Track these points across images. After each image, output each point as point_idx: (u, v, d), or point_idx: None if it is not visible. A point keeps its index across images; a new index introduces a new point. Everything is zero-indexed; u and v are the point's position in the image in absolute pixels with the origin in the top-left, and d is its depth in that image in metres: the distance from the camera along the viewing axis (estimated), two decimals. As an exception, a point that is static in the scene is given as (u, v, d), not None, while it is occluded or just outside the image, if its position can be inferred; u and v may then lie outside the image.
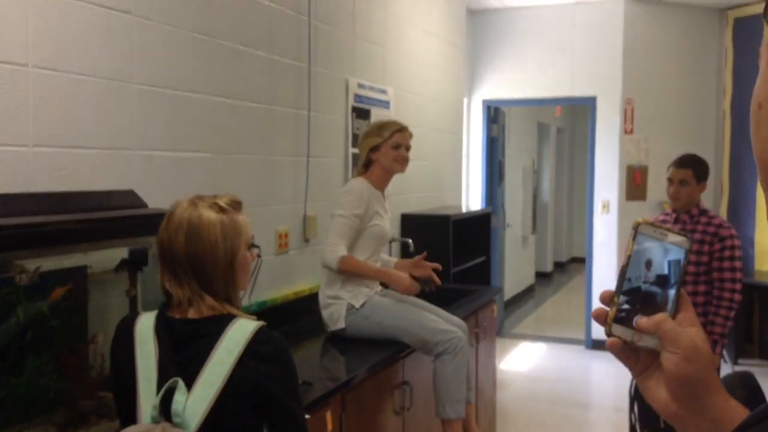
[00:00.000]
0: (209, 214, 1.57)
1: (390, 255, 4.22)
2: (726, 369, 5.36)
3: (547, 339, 7.25)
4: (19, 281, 1.74)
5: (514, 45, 6.97)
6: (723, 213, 6.64)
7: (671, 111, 6.82)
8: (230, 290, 1.59)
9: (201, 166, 2.77)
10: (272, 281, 3.22)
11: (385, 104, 4.35)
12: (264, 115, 3.18)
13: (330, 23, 3.71)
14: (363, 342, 2.92)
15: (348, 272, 2.91)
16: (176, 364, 1.51)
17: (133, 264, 2.09)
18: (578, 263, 11.25)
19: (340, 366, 2.80)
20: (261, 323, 1.56)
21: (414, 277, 3.33)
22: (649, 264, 0.74)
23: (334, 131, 3.80)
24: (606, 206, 6.81)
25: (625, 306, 0.73)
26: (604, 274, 6.76)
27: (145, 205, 2.32)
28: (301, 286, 3.43)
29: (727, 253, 3.37)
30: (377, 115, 4.17)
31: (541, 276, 10.65)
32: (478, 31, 7.05)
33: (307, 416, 1.75)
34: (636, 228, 0.74)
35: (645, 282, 0.74)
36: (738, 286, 3.36)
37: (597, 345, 6.69)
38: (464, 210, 5.32)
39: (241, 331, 1.52)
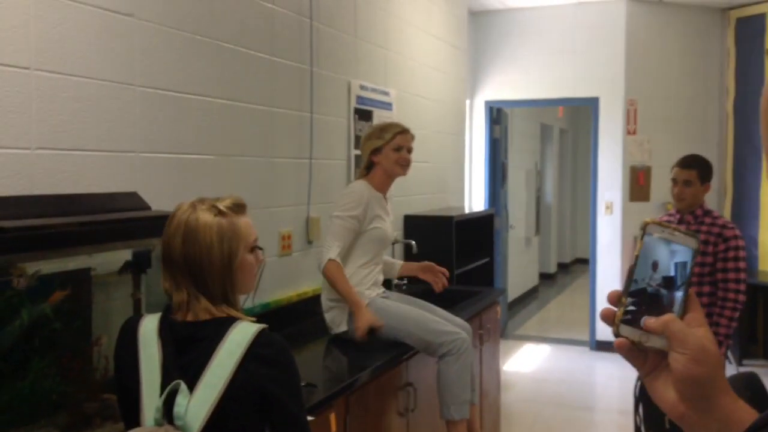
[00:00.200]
0: (206, 217, 1.56)
1: (393, 257, 4.22)
2: (730, 370, 5.35)
3: (551, 340, 7.23)
4: (17, 284, 1.74)
5: (516, 46, 6.97)
6: (727, 214, 6.63)
7: (674, 111, 6.81)
8: (229, 293, 1.58)
9: (203, 169, 2.77)
10: (275, 283, 3.22)
11: (388, 106, 4.35)
12: (266, 117, 3.17)
13: (332, 25, 3.71)
14: (366, 344, 2.92)
15: (328, 278, 2.90)
16: (179, 366, 1.51)
17: (137, 266, 2.09)
18: (582, 264, 11.24)
19: (344, 368, 2.79)
20: (262, 326, 1.56)
21: (419, 280, 3.35)
22: (655, 265, 0.73)
23: (336, 133, 3.79)
24: (609, 207, 6.80)
25: (632, 307, 0.73)
26: (608, 276, 6.75)
27: (148, 208, 2.32)
28: (304, 287, 3.42)
29: (731, 254, 3.36)
30: (379, 116, 4.17)
31: (545, 277, 10.63)
32: (480, 33, 7.04)
33: (310, 418, 1.75)
34: (644, 228, 0.74)
35: (652, 283, 0.73)
36: (742, 287, 3.35)
37: (601, 346, 6.68)
38: (467, 211, 5.31)
39: (242, 334, 1.52)
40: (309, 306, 3.33)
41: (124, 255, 2.08)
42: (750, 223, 6.48)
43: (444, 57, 5.35)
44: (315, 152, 3.54)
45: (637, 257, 0.73)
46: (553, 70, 6.85)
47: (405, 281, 4.11)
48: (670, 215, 3.62)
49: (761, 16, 6.41)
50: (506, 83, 7.04)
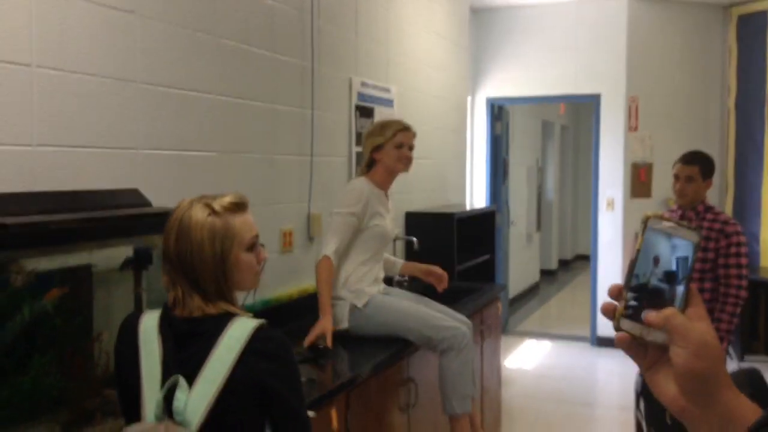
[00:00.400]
0: (199, 216, 1.57)
1: (394, 254, 4.22)
2: (732, 366, 5.35)
3: (552, 336, 7.24)
4: (15, 281, 1.74)
5: (518, 43, 6.96)
6: (728, 210, 6.62)
7: (676, 108, 6.80)
8: (224, 291, 1.58)
9: (205, 165, 2.77)
10: (277, 280, 3.22)
11: (389, 103, 4.35)
12: (267, 114, 3.17)
13: (333, 22, 3.70)
14: (367, 340, 2.92)
15: (316, 273, 2.88)
16: (179, 362, 1.51)
17: (138, 263, 2.09)
18: (583, 261, 11.24)
19: (345, 364, 2.79)
20: (261, 321, 1.56)
21: (419, 280, 3.36)
22: (657, 260, 0.73)
23: (337, 130, 3.79)
24: (611, 204, 6.79)
25: (633, 301, 0.73)
26: (609, 272, 6.75)
27: (149, 204, 2.32)
28: (305, 284, 3.42)
29: (733, 250, 3.36)
30: (381, 113, 4.17)
31: (546, 274, 10.64)
32: (481, 29, 7.03)
33: (312, 414, 1.75)
34: (645, 222, 0.74)
35: (653, 277, 0.73)
36: (744, 283, 3.35)
37: (602, 342, 6.68)
38: (468, 208, 5.31)
39: (241, 329, 1.52)
40: (310, 302, 3.33)
41: (125, 251, 2.08)
42: (751, 219, 6.47)
43: (445, 54, 5.34)
44: (316, 149, 3.53)
45: (638, 251, 0.73)
46: (554, 66, 6.84)
47: (405, 278, 4.11)
48: (671, 211, 3.61)
49: (763, 13, 6.39)
50: (508, 80, 7.03)
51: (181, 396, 1.47)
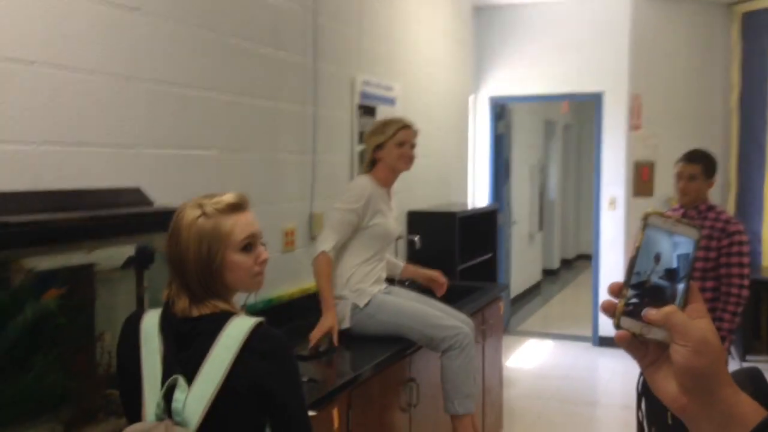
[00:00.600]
0: (189, 218, 1.57)
1: (396, 253, 4.22)
2: (733, 365, 5.34)
3: (554, 336, 7.23)
4: (14, 280, 1.74)
5: (520, 41, 6.95)
6: (730, 209, 6.61)
7: (678, 106, 6.79)
8: (214, 292, 1.57)
9: (207, 164, 2.78)
10: (278, 279, 3.22)
11: (391, 101, 4.34)
12: (270, 112, 3.17)
13: (335, 20, 3.70)
14: (369, 339, 2.92)
15: (315, 269, 2.88)
16: (179, 361, 1.51)
17: (140, 262, 2.10)
18: (585, 260, 11.22)
19: (347, 363, 2.79)
20: (259, 320, 1.55)
21: (418, 285, 3.36)
22: (657, 257, 0.73)
23: (339, 128, 3.79)
24: (613, 203, 6.78)
25: (634, 299, 0.73)
26: (611, 271, 6.74)
27: (151, 203, 2.32)
28: (307, 283, 3.42)
29: (734, 249, 3.35)
30: (383, 112, 4.17)
31: (548, 273, 10.62)
32: (484, 28, 7.03)
33: (313, 413, 1.75)
34: (645, 219, 0.74)
35: (653, 275, 0.73)
36: (746, 282, 3.34)
37: (604, 342, 6.67)
38: (471, 207, 5.31)
39: (239, 328, 1.52)
40: (312, 302, 3.33)
41: (128, 250, 2.08)
42: (753, 218, 6.46)
43: (448, 52, 5.34)
44: (318, 147, 3.53)
45: (638, 249, 0.73)
46: (557, 65, 6.83)
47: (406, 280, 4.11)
48: (673, 210, 3.61)
49: (767, 10, 6.38)
50: (510, 78, 7.02)
51: (179, 396, 1.47)
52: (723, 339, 3.33)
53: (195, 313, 1.56)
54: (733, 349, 6.03)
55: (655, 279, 0.73)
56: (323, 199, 3.55)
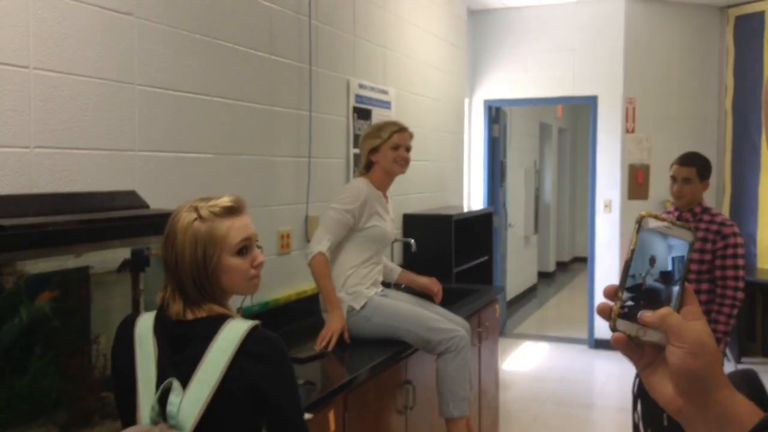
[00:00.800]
0: (184, 221, 1.57)
1: (392, 256, 4.22)
2: (729, 367, 5.35)
3: (550, 339, 7.24)
4: (7, 282, 1.74)
5: (515, 45, 6.97)
6: (725, 211, 6.63)
7: (673, 109, 6.81)
8: (208, 295, 1.57)
9: (202, 167, 2.77)
10: (274, 282, 3.22)
11: (386, 105, 4.35)
12: (265, 115, 3.17)
13: (330, 23, 3.71)
14: (365, 342, 2.92)
15: (313, 271, 2.88)
16: (173, 364, 1.51)
17: (135, 265, 2.09)
18: (580, 263, 11.24)
19: (343, 366, 2.79)
20: (255, 323, 1.55)
21: (415, 292, 3.36)
22: (652, 260, 0.73)
23: (335, 132, 3.79)
24: (608, 205, 6.80)
25: (630, 302, 0.73)
26: (606, 274, 6.75)
27: (146, 206, 2.32)
28: (303, 286, 3.42)
29: (730, 251, 3.36)
30: (378, 115, 4.17)
31: (544, 276, 10.64)
32: (479, 31, 7.04)
33: (309, 416, 1.75)
34: (640, 221, 0.74)
35: (649, 278, 0.73)
36: (741, 284, 3.35)
37: (600, 344, 6.68)
38: (466, 210, 5.31)
39: (234, 331, 1.52)
40: (308, 304, 3.33)
41: (123, 253, 2.08)
42: (748, 220, 6.48)
43: (443, 55, 5.35)
44: (314, 151, 3.53)
45: (633, 251, 0.73)
46: (551, 68, 6.85)
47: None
48: (668, 213, 3.62)
49: (760, 14, 6.41)
50: (505, 82, 7.04)
51: (174, 399, 1.47)
52: (718, 341, 3.34)
53: (190, 316, 1.56)
54: (728, 352, 6.04)
55: (651, 281, 0.73)
56: (319, 202, 3.55)
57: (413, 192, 4.72)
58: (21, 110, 2.02)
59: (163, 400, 1.48)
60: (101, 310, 2.03)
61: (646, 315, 0.71)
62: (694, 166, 3.46)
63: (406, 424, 2.99)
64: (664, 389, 0.72)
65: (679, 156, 3.56)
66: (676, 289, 0.73)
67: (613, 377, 5.94)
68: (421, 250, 4.13)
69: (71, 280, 1.94)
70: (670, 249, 0.73)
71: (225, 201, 1.61)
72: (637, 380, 3.36)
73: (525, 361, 6.46)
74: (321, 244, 2.87)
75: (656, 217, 0.74)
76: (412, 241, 4.10)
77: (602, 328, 6.53)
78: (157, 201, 2.40)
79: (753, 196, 6.49)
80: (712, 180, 3.61)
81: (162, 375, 1.50)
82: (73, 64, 2.18)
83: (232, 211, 1.60)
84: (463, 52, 5.83)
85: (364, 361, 2.71)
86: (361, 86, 4.02)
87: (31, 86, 2.05)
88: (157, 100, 2.53)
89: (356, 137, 3.86)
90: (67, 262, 1.92)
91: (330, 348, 2.79)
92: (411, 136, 3.12)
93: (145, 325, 1.58)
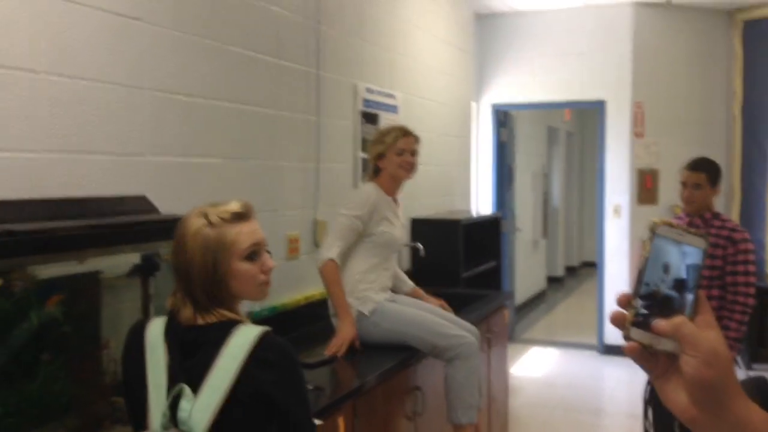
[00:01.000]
0: (194, 227, 1.57)
1: (400, 261, 4.21)
2: (740, 374, 5.32)
3: (559, 344, 7.21)
4: (16, 287, 1.74)
5: (523, 49, 6.96)
6: (735, 217, 6.59)
7: (681, 114, 6.78)
8: (218, 301, 1.57)
9: (211, 172, 2.78)
10: (283, 287, 3.22)
11: (393, 109, 4.35)
12: (273, 120, 3.18)
13: (338, 28, 3.71)
14: (374, 347, 2.92)
15: (324, 277, 2.88)
16: (184, 370, 1.51)
17: (145, 269, 2.10)
18: (589, 268, 11.20)
19: (352, 372, 2.79)
20: (266, 329, 1.55)
21: (428, 283, 3.34)
22: (666, 268, 0.73)
23: (342, 136, 3.80)
24: (617, 210, 6.78)
25: (643, 310, 0.72)
26: (616, 279, 6.72)
27: (156, 211, 2.33)
28: (312, 291, 3.42)
29: (740, 257, 3.34)
30: (385, 119, 4.17)
31: (553, 280, 10.60)
32: (486, 36, 7.04)
33: (318, 422, 1.74)
34: (653, 229, 0.73)
35: (663, 286, 0.73)
36: (752, 290, 3.33)
37: (609, 350, 6.65)
38: (474, 215, 5.31)
39: (244, 337, 1.52)
40: (317, 309, 3.33)
41: (133, 258, 2.08)
42: (758, 226, 6.44)
43: (450, 60, 5.35)
44: (321, 155, 3.54)
45: (646, 259, 0.73)
46: (559, 73, 6.84)
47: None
48: (678, 218, 3.60)
49: (769, 18, 6.38)
50: (513, 86, 7.03)
51: (185, 405, 1.47)
52: (729, 348, 3.30)
53: (200, 321, 1.56)
54: (739, 358, 6.00)
55: (664, 289, 0.72)
56: (326, 207, 3.55)
57: (421, 196, 4.72)
58: (31, 115, 2.03)
59: (174, 405, 1.48)
60: (111, 315, 2.03)
61: (659, 324, 0.71)
62: (705, 172, 3.44)
63: (416, 431, 2.98)
64: (678, 398, 0.72)
65: (689, 161, 3.54)
66: (689, 297, 0.72)
67: (622, 383, 5.91)
68: (429, 255, 4.13)
69: (81, 285, 1.95)
70: (684, 256, 0.73)
71: (234, 206, 1.61)
72: (649, 387, 3.34)
73: (534, 366, 6.44)
74: (331, 250, 2.87)
75: (669, 225, 0.73)
76: (420, 245, 4.10)
77: (612, 334, 6.51)
78: (166, 205, 2.40)
79: (762, 201, 6.45)
80: (722, 185, 3.59)
81: (173, 381, 1.50)
82: (82, 69, 2.19)
83: (241, 216, 1.61)
84: (470, 57, 5.83)
85: (373, 367, 2.71)
86: (368, 90, 4.02)
87: (41, 91, 2.06)
88: (167, 105, 2.54)
89: (363, 141, 3.87)
90: (77, 266, 1.93)
91: (340, 355, 2.79)
92: (417, 140, 3.11)
93: (155, 330, 1.58)
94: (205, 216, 1.58)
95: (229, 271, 1.57)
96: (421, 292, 3.39)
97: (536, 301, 9.40)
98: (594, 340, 6.92)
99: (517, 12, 6.91)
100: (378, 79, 4.17)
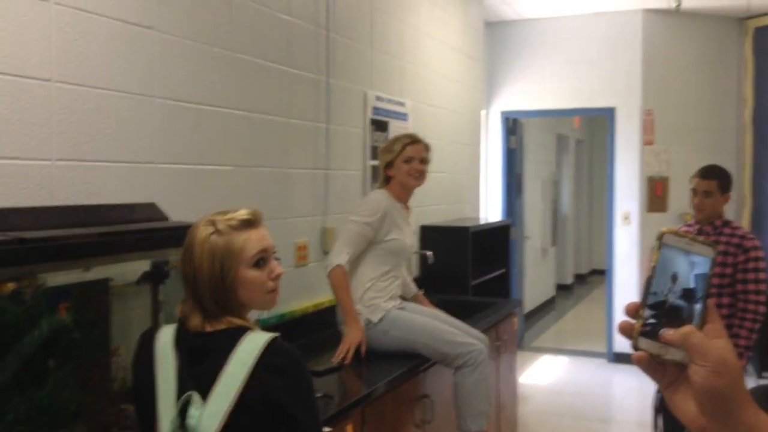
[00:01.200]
0: (201, 235, 1.58)
1: (410, 267, 4.21)
2: (750, 382, 5.27)
3: (568, 352, 7.18)
4: (26, 295, 1.75)
5: (532, 56, 6.96)
6: (745, 224, 6.56)
7: (691, 121, 6.76)
8: (227, 308, 1.58)
9: (221, 179, 2.79)
10: (291, 294, 3.22)
11: (403, 117, 4.36)
12: (283, 128, 3.19)
13: (348, 36, 3.73)
14: (383, 355, 2.91)
15: (332, 283, 2.88)
16: (193, 377, 1.52)
17: (155, 277, 2.11)
18: (599, 275, 11.15)
19: (361, 379, 2.79)
20: (274, 335, 1.55)
21: (436, 290, 3.34)
22: (674, 277, 0.73)
23: (352, 144, 3.81)
24: (627, 218, 6.75)
25: (651, 319, 0.72)
26: (625, 287, 6.69)
27: (166, 218, 2.34)
28: (320, 298, 3.43)
29: (751, 265, 3.33)
30: (395, 127, 4.18)
31: (562, 288, 10.57)
32: (495, 43, 7.05)
33: (327, 430, 1.74)
34: (661, 238, 0.73)
35: (671, 295, 0.72)
36: (762, 298, 3.31)
37: (619, 358, 6.62)
38: (483, 222, 5.30)
39: (254, 343, 1.52)
40: (325, 316, 3.34)
41: (143, 266, 2.09)
42: (769, 233, 6.40)
43: (460, 67, 5.35)
44: (331, 163, 3.55)
45: (654, 268, 0.73)
46: (569, 80, 6.84)
47: (422, 289, 4.11)
48: (688, 226, 3.58)
49: (780, 25, 6.36)
50: (522, 94, 7.03)
51: (194, 412, 1.47)
52: (740, 356, 3.29)
53: (208, 329, 1.57)
54: (749, 366, 5.95)
55: (673, 299, 0.72)
56: (336, 214, 3.56)
57: (430, 204, 4.72)
58: (43, 123, 2.04)
59: (183, 413, 1.48)
60: (121, 322, 2.04)
61: (668, 333, 0.71)
62: (715, 180, 3.42)
63: (424, 438, 2.97)
64: (687, 408, 0.72)
65: (700, 169, 3.53)
66: (698, 306, 0.72)
67: (632, 391, 5.87)
68: (438, 262, 4.13)
69: (91, 292, 1.96)
70: (693, 266, 0.73)
71: (242, 214, 1.62)
72: (658, 395, 3.32)
73: (543, 374, 6.41)
74: (340, 257, 2.87)
75: (677, 234, 0.73)
76: (429, 253, 4.10)
77: (621, 342, 6.47)
78: (177, 213, 2.42)
79: (774, 208, 6.41)
80: (732, 193, 3.57)
81: (182, 388, 1.51)
82: (94, 77, 2.21)
83: (249, 223, 1.61)
84: (479, 64, 5.84)
85: (382, 375, 2.70)
86: (378, 98, 4.03)
87: (53, 99, 2.08)
88: (177, 113, 2.55)
89: (373, 149, 3.88)
90: (87, 274, 1.94)
91: (348, 360, 2.79)
92: (426, 147, 3.11)
93: (165, 338, 1.59)
94: (213, 224, 1.59)
95: (237, 279, 1.57)
96: (424, 300, 3.40)
97: (545, 308, 9.37)
98: (603, 348, 6.89)
99: (527, 20, 6.92)
100: (388, 87, 4.18)
